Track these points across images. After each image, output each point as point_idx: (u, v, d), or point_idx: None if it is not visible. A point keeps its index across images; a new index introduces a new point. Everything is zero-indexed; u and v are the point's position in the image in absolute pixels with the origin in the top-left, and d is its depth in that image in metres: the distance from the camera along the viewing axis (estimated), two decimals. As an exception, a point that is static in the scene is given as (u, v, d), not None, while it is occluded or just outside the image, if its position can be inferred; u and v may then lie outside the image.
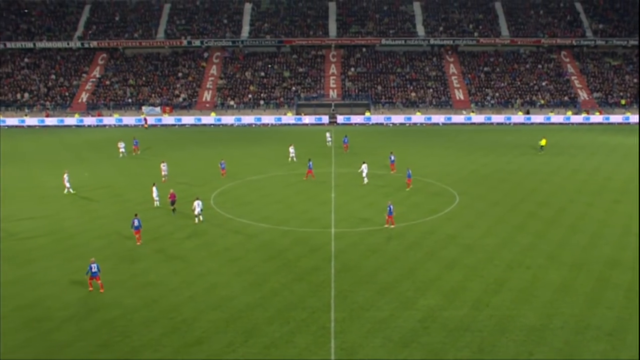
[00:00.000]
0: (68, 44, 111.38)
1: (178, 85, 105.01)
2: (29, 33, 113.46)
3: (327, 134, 77.47)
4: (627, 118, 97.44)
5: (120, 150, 71.02)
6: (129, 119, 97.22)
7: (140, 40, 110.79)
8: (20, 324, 30.94)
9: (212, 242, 42.10)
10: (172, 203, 48.09)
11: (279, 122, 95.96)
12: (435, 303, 32.55)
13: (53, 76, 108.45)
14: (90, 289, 34.79)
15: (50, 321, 31.17)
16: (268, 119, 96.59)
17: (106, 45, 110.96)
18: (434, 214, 47.90)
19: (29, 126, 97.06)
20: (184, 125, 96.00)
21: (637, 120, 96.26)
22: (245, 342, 28.80)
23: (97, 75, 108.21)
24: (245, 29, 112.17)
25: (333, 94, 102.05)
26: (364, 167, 56.73)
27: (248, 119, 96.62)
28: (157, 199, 50.20)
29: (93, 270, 34.49)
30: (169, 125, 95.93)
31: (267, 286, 34.82)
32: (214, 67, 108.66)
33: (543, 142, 73.31)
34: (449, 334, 29.47)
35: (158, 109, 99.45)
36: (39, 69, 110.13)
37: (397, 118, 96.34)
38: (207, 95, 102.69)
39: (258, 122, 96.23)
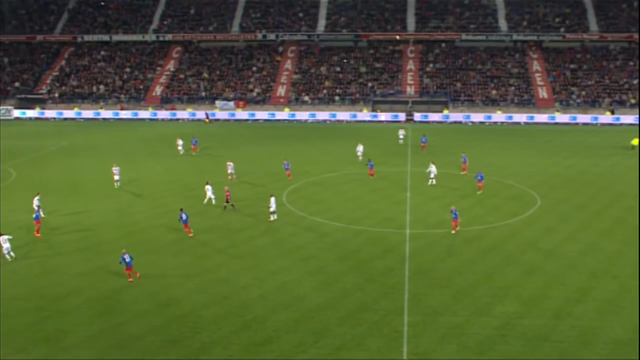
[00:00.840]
0: (143, 37, 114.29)
1: (252, 80, 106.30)
2: (105, 26, 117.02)
3: (400, 131, 76.87)
4: None
5: (179, 147, 71.61)
6: (202, 113, 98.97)
7: (215, 33, 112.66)
8: (93, 315, 32.05)
9: (284, 240, 42.50)
10: (227, 200, 48.83)
11: (354, 119, 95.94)
12: (513, 310, 31.97)
13: (128, 69, 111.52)
14: (130, 279, 36.05)
15: (122, 314, 32.15)
16: (343, 115, 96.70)
17: (181, 39, 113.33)
18: (513, 217, 47.02)
19: (104, 119, 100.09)
20: (258, 120, 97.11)
21: None
22: (316, 343, 28.97)
23: (172, 69, 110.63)
24: (321, 23, 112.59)
25: (410, 90, 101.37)
26: (432, 168, 55.87)
27: (322, 115, 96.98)
28: (212, 197, 50.61)
29: (126, 260, 35.96)
30: (242, 120, 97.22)
31: (339, 286, 34.93)
32: (289, 61, 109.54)
33: (635, 141, 70.96)
34: (527, 343, 28.91)
35: (231, 103, 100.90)
36: (115, 62, 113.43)
37: (477, 116, 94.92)
38: (281, 90, 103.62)
39: (333, 119, 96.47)
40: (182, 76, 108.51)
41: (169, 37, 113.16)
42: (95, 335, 30.05)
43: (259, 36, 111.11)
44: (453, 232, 43.10)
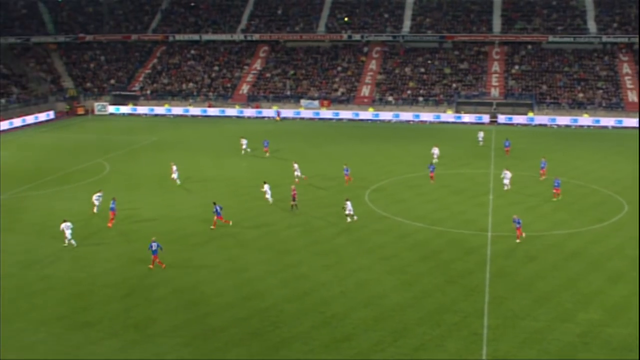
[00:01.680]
0: (232, 36, 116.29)
1: (337, 79, 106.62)
2: (195, 26, 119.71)
3: (479, 133, 75.45)
4: None
5: (243, 147, 70.89)
6: (287, 112, 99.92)
7: (301, 33, 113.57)
8: (179, 305, 32.94)
9: (365, 238, 42.52)
10: (293, 199, 48.88)
11: (438, 120, 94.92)
12: (597, 318, 31.01)
13: (216, 67, 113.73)
14: (151, 266, 37.66)
15: (206, 305, 32.90)
16: (426, 116, 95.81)
17: (268, 38, 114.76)
18: (599, 222, 45.56)
19: (192, 115, 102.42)
20: (342, 119, 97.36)
21: None
22: (395, 342, 28.90)
23: (258, 68, 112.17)
24: (407, 24, 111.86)
25: (495, 92, 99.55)
26: (506, 173, 53.89)
27: (406, 115, 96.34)
28: (268, 196, 50.59)
29: (153, 248, 37.45)
30: (326, 119, 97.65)
31: (419, 286, 34.73)
32: (374, 61, 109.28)
33: None
34: (612, 352, 28.00)
35: (316, 102, 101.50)
36: (204, 61, 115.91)
37: (563, 120, 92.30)
38: (365, 90, 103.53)
39: (416, 119, 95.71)
40: (268, 75, 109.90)
41: (256, 36, 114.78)
42: (180, 324, 30.88)
43: (345, 36, 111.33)
44: (518, 240, 41.54)
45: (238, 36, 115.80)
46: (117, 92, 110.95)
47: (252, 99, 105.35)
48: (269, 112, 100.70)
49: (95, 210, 48.15)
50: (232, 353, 28.38)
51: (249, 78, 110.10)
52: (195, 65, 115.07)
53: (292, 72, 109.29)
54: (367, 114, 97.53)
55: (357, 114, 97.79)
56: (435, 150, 64.86)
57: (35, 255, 40.27)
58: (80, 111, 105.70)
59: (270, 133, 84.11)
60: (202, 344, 29.10)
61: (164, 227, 45.48)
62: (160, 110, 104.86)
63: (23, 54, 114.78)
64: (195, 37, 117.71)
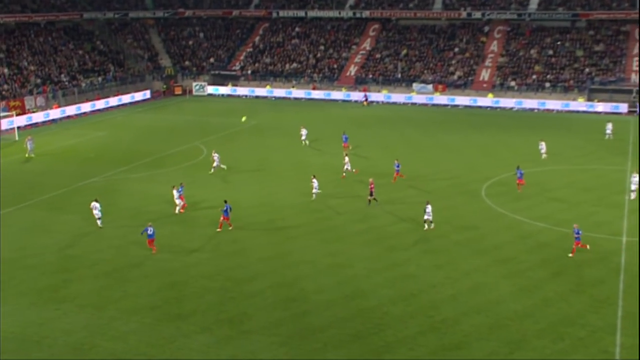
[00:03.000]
0: (339, 13, 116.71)
1: (453, 62, 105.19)
2: (301, 1, 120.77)
3: (608, 125, 72.14)
4: None
5: (302, 137, 69.33)
6: (398, 96, 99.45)
7: (416, 10, 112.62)
8: (276, 301, 33.47)
9: (481, 237, 41.87)
10: (371, 193, 48.35)
11: (566, 109, 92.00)
12: None
13: (322, 47, 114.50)
14: (154, 251, 39.39)
15: (305, 303, 33.28)
16: (554, 104, 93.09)
17: (379, 16, 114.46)
18: None
19: (295, 98, 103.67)
20: (457, 106, 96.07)
21: None
22: (511, 354, 28.34)
23: (367, 48, 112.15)
24: (534, 0, 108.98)
25: (635, 78, 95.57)
26: (635, 178, 50.15)
27: (530, 102, 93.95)
28: (316, 190, 50.16)
29: (149, 232, 39.13)
30: (440, 105, 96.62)
31: (540, 294, 33.88)
32: (495, 42, 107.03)
33: None
34: None
35: (430, 86, 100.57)
36: (309, 39, 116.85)
37: None
38: (484, 74, 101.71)
39: (541, 107, 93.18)
40: (378, 56, 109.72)
41: (366, 13, 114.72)
42: (276, 322, 31.36)
43: (464, 14, 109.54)
44: (571, 255, 38.85)
45: (346, 13, 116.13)
46: (217, 72, 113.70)
47: (359, 82, 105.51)
48: (378, 96, 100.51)
49: (176, 210, 47.69)
50: (330, 355, 28.60)
51: (357, 59, 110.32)
52: (299, 44, 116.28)
53: (404, 52, 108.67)
54: (486, 101, 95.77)
55: (474, 101, 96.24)
56: (542, 145, 62.45)
57: (129, 240, 41.90)
58: (178, 91, 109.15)
59: (377, 119, 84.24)
60: (299, 344, 29.45)
61: (262, 217, 46.37)
62: (261, 91, 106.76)
63: (121, 30, 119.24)
64: (301, 13, 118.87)
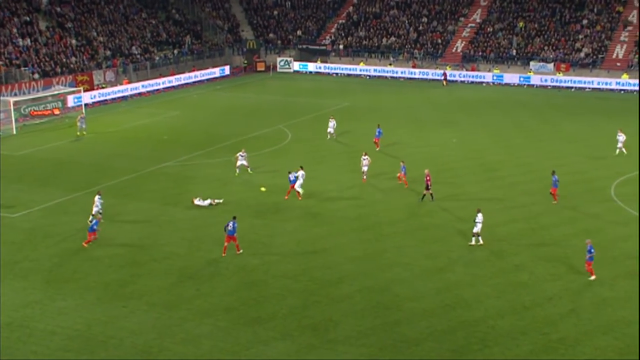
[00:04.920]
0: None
1: (580, 37, 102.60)
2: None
3: None
4: None
5: (329, 130, 66.26)
6: (512, 77, 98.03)
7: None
8: (366, 308, 33.51)
9: (609, 244, 40.75)
10: (427, 187, 47.61)
11: None
12: None
13: (425, 19, 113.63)
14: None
15: (399, 311, 33.23)
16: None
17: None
18: None
19: (392, 77, 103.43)
20: (584, 89, 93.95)
21: None
22: (641, 384, 27.65)
23: (477, 20, 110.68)
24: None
25: None
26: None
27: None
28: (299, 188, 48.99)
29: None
30: (562, 87, 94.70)
31: (678, 314, 32.85)
32: (634, 12, 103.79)
33: None
34: None
35: (550, 65, 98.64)
36: (410, 10, 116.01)
37: None
38: (619, 51, 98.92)
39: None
40: (489, 29, 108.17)
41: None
42: (366, 331, 31.37)
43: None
44: (592, 277, 36.48)
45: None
46: (304, 46, 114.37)
47: (467, 60, 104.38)
48: (487, 76, 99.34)
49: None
50: (427, 373, 28.60)
51: (465, 33, 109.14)
52: (398, 15, 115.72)
53: (521, 25, 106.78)
54: (619, 83, 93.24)
55: (606, 83, 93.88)
56: (621, 138, 59.69)
57: (204, 234, 42.71)
58: (260, 67, 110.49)
59: (487, 102, 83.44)
60: (391, 356, 29.41)
61: (353, 211, 46.55)
62: (354, 69, 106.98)
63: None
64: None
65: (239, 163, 54.21)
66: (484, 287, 35.54)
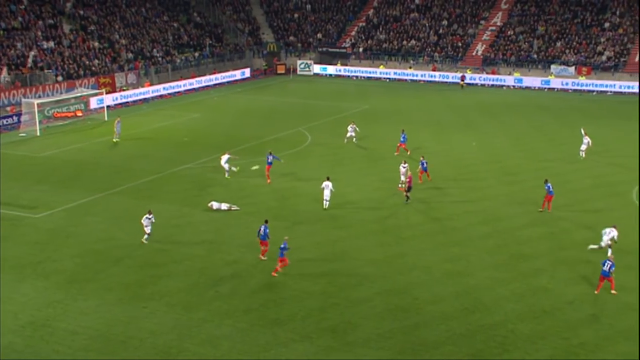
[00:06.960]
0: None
1: (602, 40, 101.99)
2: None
3: None
4: None
5: (348, 134, 64.85)
6: (533, 80, 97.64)
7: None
8: (385, 311, 33.51)
9: (630, 250, 40.26)
10: (408, 189, 47.78)
11: None
12: None
13: (445, 22, 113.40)
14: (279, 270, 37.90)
15: (418, 314, 33.21)
16: None
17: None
18: None
19: (412, 80, 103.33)
20: (605, 92, 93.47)
21: None
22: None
23: (498, 23, 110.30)
24: None
25: None
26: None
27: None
28: (327, 197, 47.91)
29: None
30: (584, 91, 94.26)
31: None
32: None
33: None
34: None
35: (571, 69, 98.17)
36: (430, 13, 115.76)
37: None
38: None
39: None
40: (510, 32, 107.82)
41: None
42: (385, 334, 31.37)
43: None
44: (614, 291, 35.22)
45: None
46: (324, 49, 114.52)
47: (488, 63, 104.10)
48: (509, 79, 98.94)
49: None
50: (446, 376, 28.54)
51: (486, 36, 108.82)
52: (419, 18, 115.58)
53: (542, 28, 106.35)
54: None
55: (628, 87, 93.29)
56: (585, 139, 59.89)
57: (223, 236, 42.83)
58: (281, 70, 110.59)
59: (507, 106, 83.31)
60: (409, 359, 29.49)
61: (372, 214, 46.51)
62: (374, 72, 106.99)
63: (219, 0, 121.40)
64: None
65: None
66: (504, 291, 35.43)
